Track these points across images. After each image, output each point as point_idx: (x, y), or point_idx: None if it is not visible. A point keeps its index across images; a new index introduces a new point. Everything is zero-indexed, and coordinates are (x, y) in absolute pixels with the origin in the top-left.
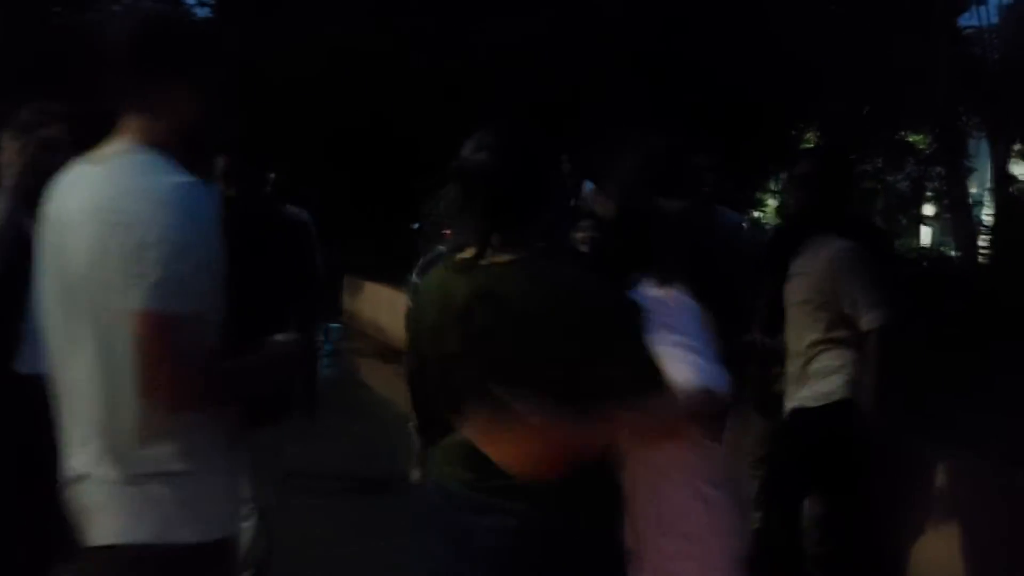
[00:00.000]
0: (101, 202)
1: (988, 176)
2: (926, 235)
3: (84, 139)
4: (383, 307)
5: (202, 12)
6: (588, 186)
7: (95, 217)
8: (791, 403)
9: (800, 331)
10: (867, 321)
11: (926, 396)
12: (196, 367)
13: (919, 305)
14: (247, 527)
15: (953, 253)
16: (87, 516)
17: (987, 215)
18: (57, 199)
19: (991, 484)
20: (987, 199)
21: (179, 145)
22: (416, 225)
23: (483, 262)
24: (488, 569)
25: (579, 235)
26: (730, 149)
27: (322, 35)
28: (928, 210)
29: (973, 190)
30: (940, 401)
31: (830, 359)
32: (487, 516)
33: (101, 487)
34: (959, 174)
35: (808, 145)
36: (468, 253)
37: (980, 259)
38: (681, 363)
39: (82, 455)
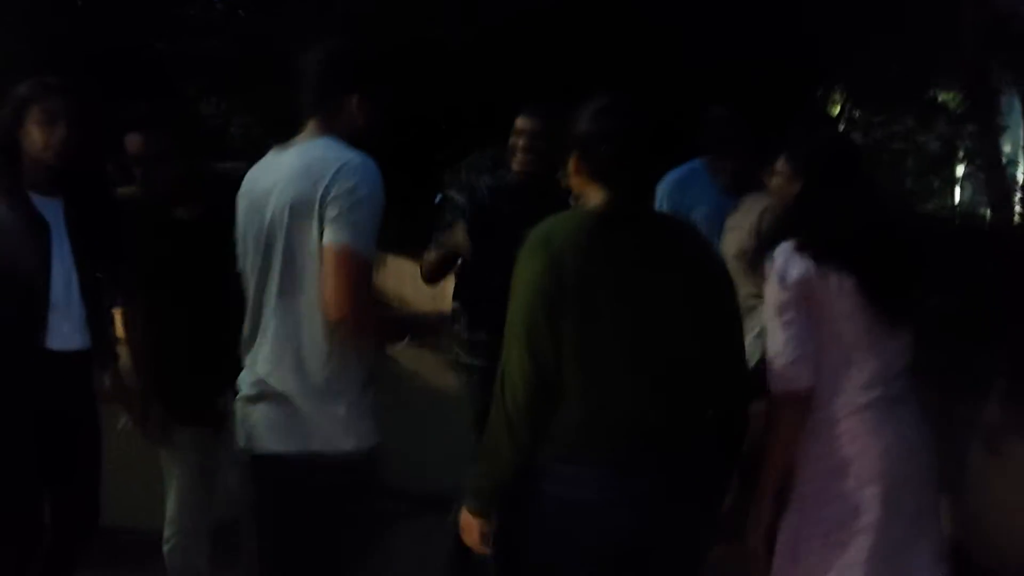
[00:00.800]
0: (308, 165)
1: (1021, 134)
2: (959, 196)
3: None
4: (407, 280)
5: None
6: None
7: (302, 175)
8: None
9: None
10: None
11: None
12: (370, 300)
13: (953, 265)
14: None
15: (988, 212)
16: (264, 427)
17: (1021, 174)
18: (256, 175)
19: None
20: (1021, 157)
21: (347, 138)
22: (438, 197)
23: (635, 217)
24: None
25: None
26: (753, 111)
27: (339, 7)
28: (960, 170)
29: (1007, 148)
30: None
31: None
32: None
33: (282, 402)
34: (991, 132)
35: (835, 108)
36: (605, 208)
37: (1016, 218)
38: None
39: (266, 374)
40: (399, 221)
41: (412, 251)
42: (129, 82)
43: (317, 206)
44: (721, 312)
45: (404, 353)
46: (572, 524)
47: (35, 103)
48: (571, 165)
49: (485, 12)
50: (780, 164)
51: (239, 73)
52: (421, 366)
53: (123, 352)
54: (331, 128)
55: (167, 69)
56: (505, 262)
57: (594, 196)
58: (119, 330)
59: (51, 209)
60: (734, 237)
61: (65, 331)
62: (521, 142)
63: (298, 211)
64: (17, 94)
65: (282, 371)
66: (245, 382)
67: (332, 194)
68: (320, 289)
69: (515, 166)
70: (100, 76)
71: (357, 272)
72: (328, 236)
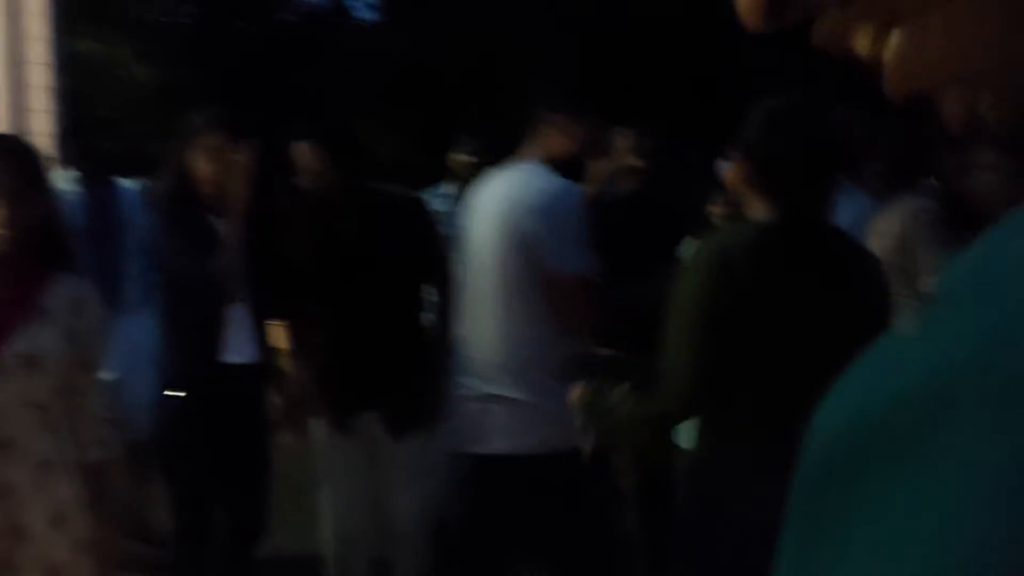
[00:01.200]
0: (529, 192)
1: None
2: None
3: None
4: None
5: (371, 16)
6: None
7: (523, 202)
8: None
9: None
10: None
11: None
12: (592, 312)
13: None
14: None
15: None
16: (491, 430)
17: None
18: (479, 196)
19: None
20: None
21: (557, 163)
22: None
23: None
24: None
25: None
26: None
27: (478, 33)
28: None
29: None
30: None
31: None
32: None
33: (514, 405)
34: None
35: None
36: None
37: None
38: None
39: (493, 380)
40: None
41: None
42: (286, 106)
43: (545, 233)
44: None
45: None
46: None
47: (206, 134)
48: (738, 172)
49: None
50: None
51: (388, 96)
52: None
53: (286, 363)
54: (542, 152)
55: (320, 93)
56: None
57: (762, 207)
58: (282, 343)
59: (223, 228)
60: (877, 243)
61: (238, 344)
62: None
63: (522, 236)
64: (191, 123)
65: (511, 377)
66: (470, 388)
67: (553, 222)
68: (549, 305)
69: (626, 184)
70: (263, 101)
71: (583, 290)
72: (555, 260)
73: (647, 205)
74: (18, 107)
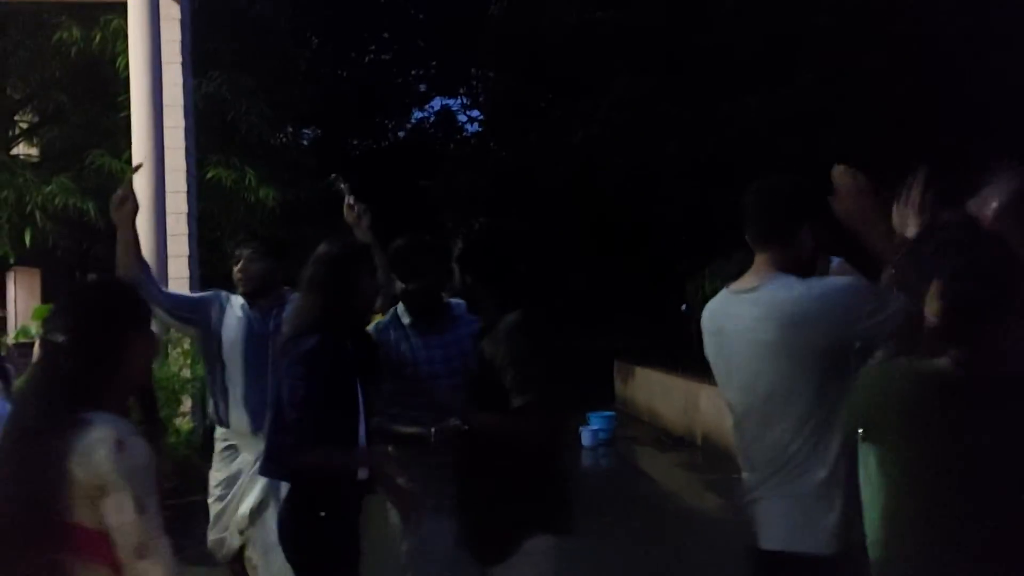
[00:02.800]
0: (783, 305)
1: None
2: None
3: None
4: (656, 392)
5: (472, 128)
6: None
7: (780, 315)
8: None
9: None
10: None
11: None
12: None
13: None
14: None
15: None
16: (763, 527)
17: None
18: (723, 310)
19: None
20: None
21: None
22: (684, 307)
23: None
24: None
25: None
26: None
27: (579, 139)
28: None
29: None
30: None
31: None
32: None
33: (775, 504)
34: None
35: None
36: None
37: None
38: None
39: (761, 481)
40: (645, 332)
41: (659, 362)
42: (402, 217)
43: (802, 344)
44: None
45: None
46: None
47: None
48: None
49: (714, 124)
50: None
51: (494, 203)
52: None
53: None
54: (780, 265)
55: (429, 204)
56: None
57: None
58: None
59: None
60: None
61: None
62: None
63: (787, 348)
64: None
65: (779, 478)
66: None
67: (814, 331)
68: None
69: None
70: (374, 212)
71: None
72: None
73: None
74: (160, 232)
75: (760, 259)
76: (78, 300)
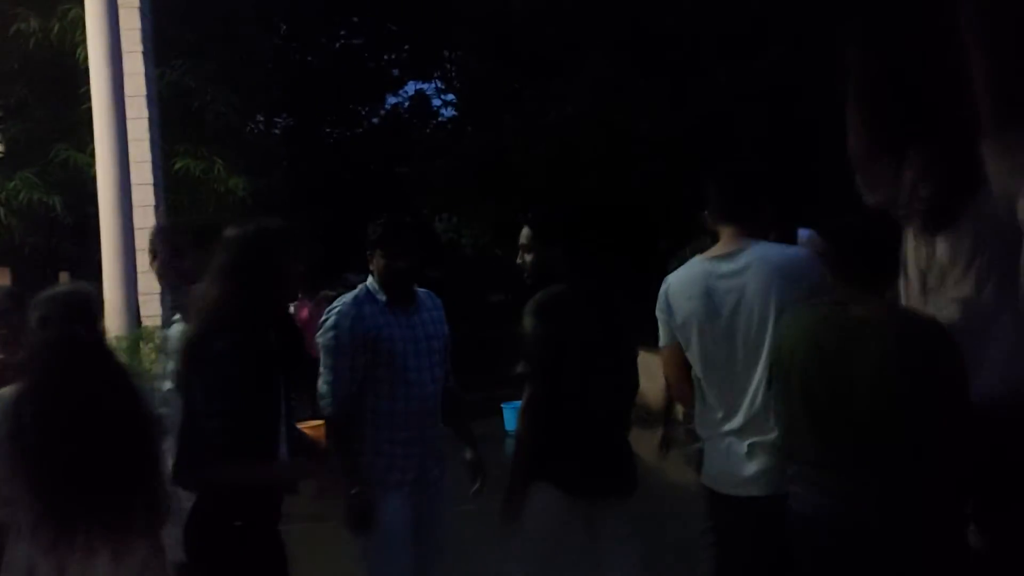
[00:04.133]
0: (780, 266)
1: None
2: None
3: None
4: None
5: (447, 113)
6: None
7: (780, 276)
8: None
9: None
10: None
11: None
12: None
13: None
14: None
15: None
16: (734, 471)
17: None
18: (707, 277)
19: None
20: None
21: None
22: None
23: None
24: None
25: None
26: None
27: (553, 120)
28: None
29: None
30: None
31: None
32: None
33: (767, 456)
34: None
35: None
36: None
37: None
38: None
39: (734, 426)
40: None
41: (641, 341)
42: (373, 204)
43: (785, 296)
44: None
45: None
46: None
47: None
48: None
49: (686, 102)
50: None
51: (467, 189)
52: None
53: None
54: (750, 232)
55: (406, 191)
56: None
57: None
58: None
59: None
60: None
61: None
62: None
63: (775, 297)
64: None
65: (756, 424)
66: (746, 445)
67: (798, 286)
68: None
69: None
70: (352, 204)
71: None
72: None
73: None
74: (127, 226)
75: (728, 231)
76: None
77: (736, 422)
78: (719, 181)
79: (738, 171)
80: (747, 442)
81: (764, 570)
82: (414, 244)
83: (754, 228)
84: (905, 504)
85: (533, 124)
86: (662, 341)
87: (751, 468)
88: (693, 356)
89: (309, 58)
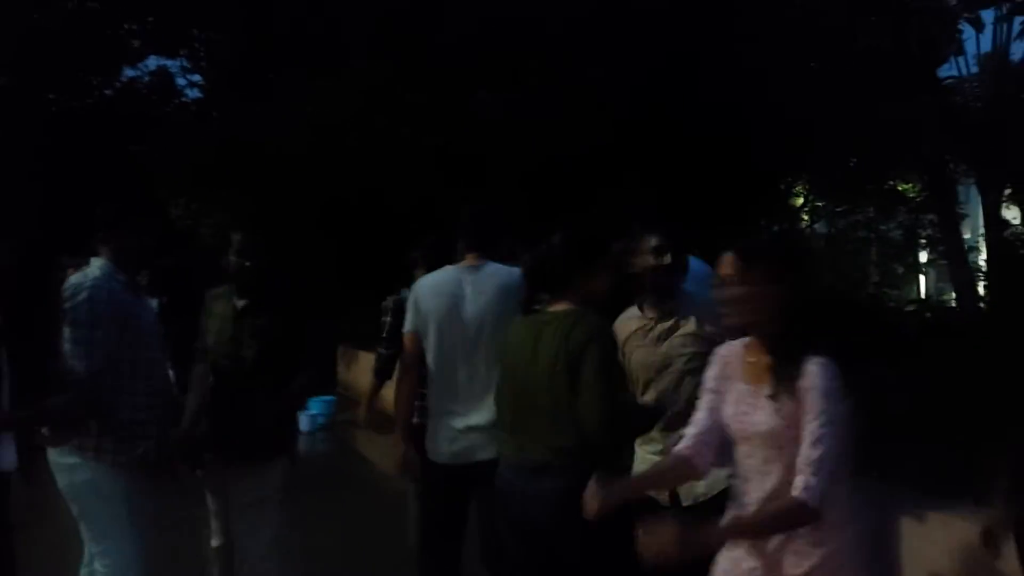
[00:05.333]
0: (505, 279)
1: (980, 221)
2: (924, 282)
3: None
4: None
5: (192, 94)
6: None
7: (502, 285)
8: None
9: None
10: None
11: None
12: None
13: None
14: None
15: (953, 301)
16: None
17: (982, 261)
18: (456, 283)
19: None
20: (981, 243)
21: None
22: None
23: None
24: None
25: None
26: (720, 203)
27: (312, 114)
28: (923, 257)
29: (967, 236)
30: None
31: None
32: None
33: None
34: (951, 221)
35: (798, 199)
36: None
37: (980, 304)
38: None
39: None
40: (370, 317)
41: (371, 346)
42: (104, 185)
43: (508, 304)
44: None
45: None
46: None
47: None
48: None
49: (454, 115)
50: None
51: (208, 175)
52: None
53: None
54: (488, 255)
55: (140, 172)
56: None
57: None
58: None
59: None
60: None
61: None
62: None
63: (500, 303)
64: None
65: (483, 412)
66: (475, 422)
67: (515, 297)
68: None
69: None
70: (77, 180)
71: None
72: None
73: None
74: None
75: (473, 253)
76: None
77: (457, 404)
78: (470, 215)
79: (484, 210)
80: (463, 421)
81: (457, 521)
82: (144, 228)
83: (494, 254)
84: (551, 466)
85: (289, 118)
86: (406, 327)
87: (461, 443)
88: (428, 344)
89: (35, 16)
